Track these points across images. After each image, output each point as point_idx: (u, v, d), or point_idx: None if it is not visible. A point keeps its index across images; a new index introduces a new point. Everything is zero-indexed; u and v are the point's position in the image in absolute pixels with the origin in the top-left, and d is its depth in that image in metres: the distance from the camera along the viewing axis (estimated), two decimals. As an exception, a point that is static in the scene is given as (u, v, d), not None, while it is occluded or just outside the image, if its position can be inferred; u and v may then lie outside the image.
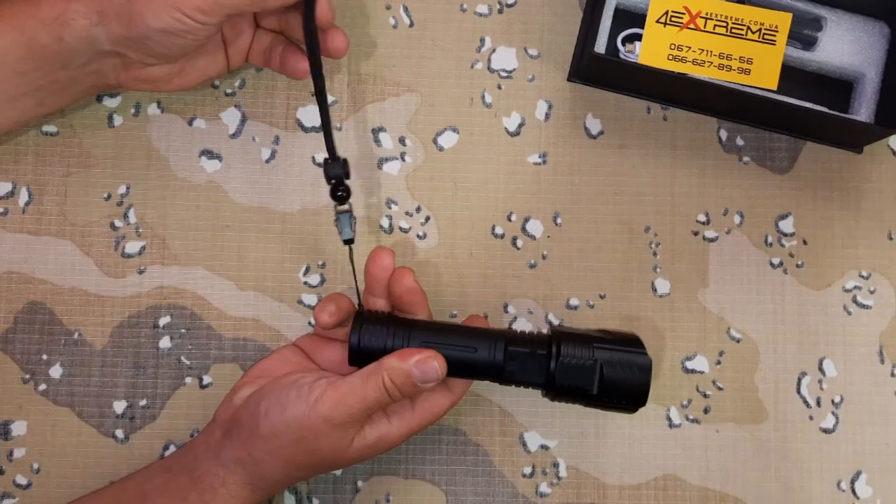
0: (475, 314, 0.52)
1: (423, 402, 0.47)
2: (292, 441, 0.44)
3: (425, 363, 0.45)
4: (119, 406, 0.53)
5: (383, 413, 0.46)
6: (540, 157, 0.56)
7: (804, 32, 0.54)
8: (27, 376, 0.53)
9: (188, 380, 0.53)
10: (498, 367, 0.47)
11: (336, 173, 0.47)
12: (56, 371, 0.53)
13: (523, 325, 0.55)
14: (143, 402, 0.53)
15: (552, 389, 0.47)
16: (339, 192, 0.48)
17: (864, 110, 0.54)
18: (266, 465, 0.45)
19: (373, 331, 0.47)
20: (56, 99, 0.49)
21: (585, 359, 0.46)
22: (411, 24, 0.56)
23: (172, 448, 0.53)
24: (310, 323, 0.54)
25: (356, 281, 0.49)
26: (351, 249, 0.49)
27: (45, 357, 0.53)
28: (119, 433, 0.53)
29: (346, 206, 0.48)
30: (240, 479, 0.45)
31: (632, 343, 0.47)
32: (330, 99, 0.55)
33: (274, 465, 0.45)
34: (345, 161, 0.48)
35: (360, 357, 0.46)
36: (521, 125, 0.56)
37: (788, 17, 0.53)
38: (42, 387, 0.53)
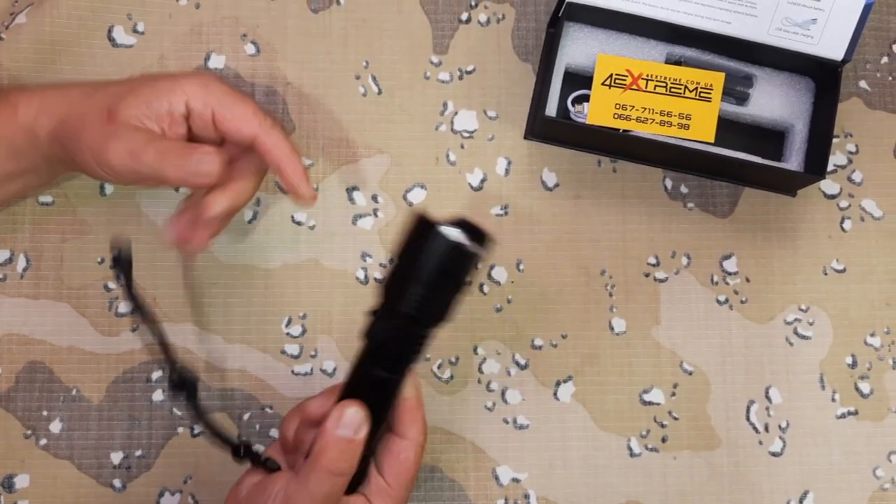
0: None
1: (391, 468, 0.46)
2: None
3: (339, 417, 0.43)
4: (116, 457, 0.56)
5: (366, 499, 0.46)
6: (501, 209, 0.60)
7: (737, 89, 0.59)
8: (29, 432, 0.56)
9: (180, 429, 0.57)
10: (384, 370, 0.45)
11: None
12: (56, 426, 0.56)
13: (492, 367, 0.58)
14: (138, 453, 0.56)
15: (420, 319, 0.44)
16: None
17: (794, 158, 0.59)
18: None
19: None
20: (38, 178, 0.54)
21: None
22: (379, 92, 0.61)
23: (167, 494, 0.56)
24: (292, 371, 0.58)
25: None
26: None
27: (45, 413, 0.56)
28: (117, 482, 0.56)
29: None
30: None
31: None
32: (306, 162, 0.60)
33: None
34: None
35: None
36: (483, 180, 0.61)
37: (721, 76, 0.58)
38: (43, 441, 0.56)
